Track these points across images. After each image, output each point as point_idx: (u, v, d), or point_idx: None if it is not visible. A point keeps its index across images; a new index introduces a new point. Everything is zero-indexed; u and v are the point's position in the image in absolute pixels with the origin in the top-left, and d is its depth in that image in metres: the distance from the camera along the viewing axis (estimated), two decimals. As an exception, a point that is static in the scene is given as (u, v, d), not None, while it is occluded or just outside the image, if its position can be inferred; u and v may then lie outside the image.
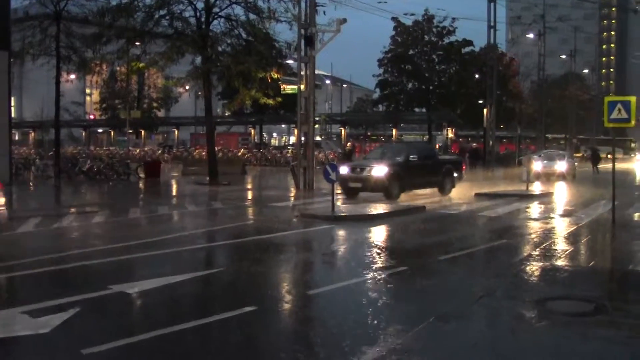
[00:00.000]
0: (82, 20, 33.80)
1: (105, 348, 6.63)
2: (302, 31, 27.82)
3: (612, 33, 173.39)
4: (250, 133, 67.85)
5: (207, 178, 30.33)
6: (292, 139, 76.87)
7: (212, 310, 8.28)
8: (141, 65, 34.33)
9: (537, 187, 27.89)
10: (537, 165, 36.10)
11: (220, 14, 30.30)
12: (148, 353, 6.80)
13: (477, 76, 61.03)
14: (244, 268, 11.48)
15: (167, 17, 29.62)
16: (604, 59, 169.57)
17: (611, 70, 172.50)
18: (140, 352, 6.78)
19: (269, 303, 8.77)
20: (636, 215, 19.59)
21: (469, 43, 62.91)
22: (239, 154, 53.19)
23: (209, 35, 29.95)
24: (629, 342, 7.32)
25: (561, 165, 37.77)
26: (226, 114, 64.23)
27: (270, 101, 35.80)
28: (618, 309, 8.66)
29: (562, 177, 36.67)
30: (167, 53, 29.72)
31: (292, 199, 24.12)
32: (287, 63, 41.57)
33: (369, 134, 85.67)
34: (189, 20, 29.90)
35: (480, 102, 53.48)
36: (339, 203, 20.96)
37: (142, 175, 33.46)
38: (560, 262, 12.01)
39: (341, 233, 15.59)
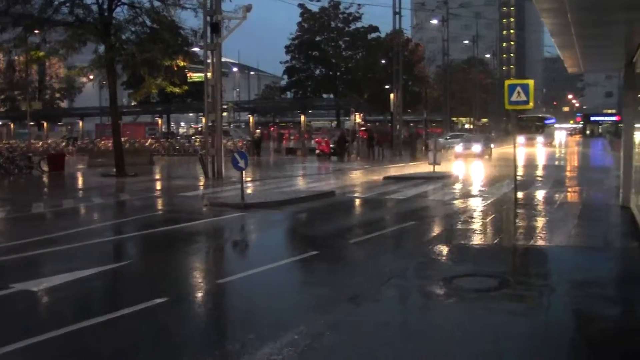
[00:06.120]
0: (-25, 7, 32.28)
1: (11, 349, 6.37)
2: (208, 18, 27.49)
3: (512, 19, 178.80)
4: (158, 123, 66.55)
5: (114, 170, 29.60)
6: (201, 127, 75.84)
7: (122, 303, 8.09)
8: (41, 54, 33.08)
9: (443, 169, 28.56)
10: (458, 148, 41.34)
11: (123, 0, 29.53)
12: (58, 350, 6.58)
13: (383, 62, 61.87)
14: (154, 259, 11.31)
15: (67, 4, 28.55)
16: (504, 44, 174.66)
17: (511, 54, 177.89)
18: (50, 350, 6.56)
19: (179, 294, 8.66)
20: (536, 193, 20.42)
21: (375, 29, 63.72)
22: (147, 144, 52.15)
23: (111, 22, 29.10)
24: (530, 313, 7.66)
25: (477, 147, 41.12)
26: (132, 104, 62.70)
27: (177, 90, 35.20)
28: (521, 282, 9.02)
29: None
30: (68, 41, 28.69)
31: (201, 188, 23.86)
32: (194, 51, 40.93)
33: (277, 121, 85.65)
34: (91, 7, 28.93)
35: (387, 87, 54.23)
36: (249, 191, 20.90)
37: (45, 168, 32.32)
38: (466, 241, 12.38)
39: (251, 220, 15.55)
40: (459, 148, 41.67)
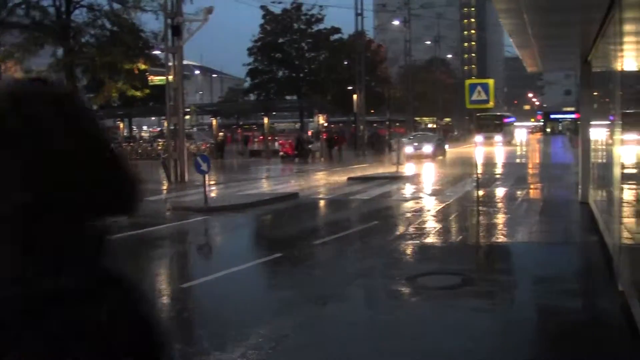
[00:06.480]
0: None
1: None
2: (169, 21, 27.25)
3: (473, 20, 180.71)
4: (119, 127, 65.80)
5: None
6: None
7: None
8: (-5, 57, 32.52)
9: (407, 169, 28.73)
10: (408, 149, 37.00)
11: (81, 3, 29.16)
12: None
13: (346, 63, 62.03)
14: (116, 265, 11.16)
15: (23, 6, 28.10)
16: (465, 44, 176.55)
17: (473, 54, 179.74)
18: None
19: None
20: (497, 191, 20.67)
21: (337, 30, 63.87)
22: (108, 148, 51.49)
23: (70, 25, 28.74)
24: (493, 309, 7.73)
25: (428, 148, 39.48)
26: (93, 108, 61.97)
27: (138, 93, 34.95)
28: (484, 279, 9.09)
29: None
30: (24, 44, 28.23)
31: (165, 192, 23.62)
32: (155, 54, 40.67)
33: (241, 123, 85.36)
34: (48, 9, 28.52)
35: (350, 88, 54.39)
36: (212, 194, 20.78)
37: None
38: (430, 239, 12.45)
39: (215, 224, 15.46)
40: (409, 149, 37.34)
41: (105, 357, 1.04)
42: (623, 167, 8.22)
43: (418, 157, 37.63)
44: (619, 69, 8.50)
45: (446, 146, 45.93)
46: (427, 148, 39.24)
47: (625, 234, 7.89)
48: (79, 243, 1.10)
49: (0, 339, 0.99)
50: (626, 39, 7.90)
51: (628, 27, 7.66)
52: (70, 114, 1.11)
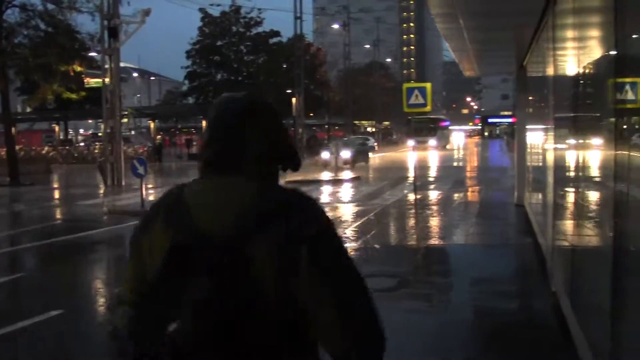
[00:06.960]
0: None
1: None
2: (105, 22, 26.80)
3: (412, 24, 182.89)
4: (55, 130, 64.30)
5: (8, 179, 28.40)
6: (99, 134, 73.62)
7: (15, 317, 7.72)
8: None
9: (346, 173, 28.86)
10: (324, 155, 33.96)
11: (14, 2, 28.39)
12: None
13: (285, 66, 62.00)
14: (51, 270, 10.92)
15: (-50, 5, 27.25)
16: (405, 48, 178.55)
17: (412, 59, 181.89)
18: None
19: (77, 305, 8.37)
20: (435, 194, 20.94)
21: (277, 34, 63.79)
22: (43, 152, 50.37)
23: (2, 25, 27.96)
24: (429, 311, 7.81)
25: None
26: (27, 110, 60.40)
27: (74, 96, 34.22)
28: (420, 281, 9.20)
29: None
30: (-47, 45, 27.39)
31: (101, 196, 23.21)
32: (91, 55, 39.93)
33: (179, 126, 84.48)
34: (-23, 9, 27.69)
35: (289, 91, 54.38)
36: (150, 197, 20.47)
37: None
38: (367, 242, 12.51)
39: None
40: (325, 155, 33.48)
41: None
42: (557, 170, 8.40)
43: (334, 164, 31.76)
44: (553, 74, 8.69)
45: (370, 153, 42.30)
46: (345, 154, 33.72)
47: (558, 236, 8.07)
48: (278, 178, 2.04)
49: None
50: (559, 44, 8.08)
51: (561, 33, 7.83)
52: (274, 113, 2.14)
